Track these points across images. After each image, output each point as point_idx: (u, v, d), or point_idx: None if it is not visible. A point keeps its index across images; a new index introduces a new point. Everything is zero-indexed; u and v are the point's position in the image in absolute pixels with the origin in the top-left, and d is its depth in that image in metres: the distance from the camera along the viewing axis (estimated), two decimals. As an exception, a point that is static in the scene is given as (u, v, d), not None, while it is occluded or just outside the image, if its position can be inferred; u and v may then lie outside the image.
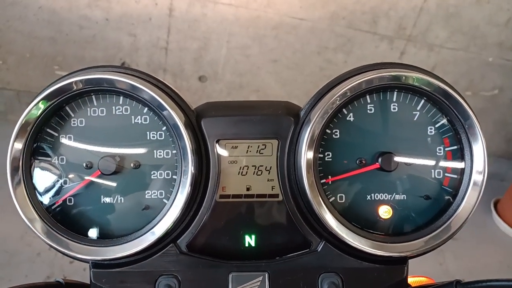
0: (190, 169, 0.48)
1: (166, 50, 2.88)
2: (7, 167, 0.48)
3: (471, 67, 3.06)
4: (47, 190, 0.50)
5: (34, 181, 0.50)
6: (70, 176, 0.50)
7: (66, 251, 0.47)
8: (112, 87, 0.49)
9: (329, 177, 0.49)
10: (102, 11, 2.69)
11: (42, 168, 0.50)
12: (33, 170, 0.50)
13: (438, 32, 2.87)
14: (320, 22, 2.78)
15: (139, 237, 0.48)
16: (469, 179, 0.49)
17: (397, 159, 0.49)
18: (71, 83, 0.47)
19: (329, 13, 2.76)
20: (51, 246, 0.48)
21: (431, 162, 0.50)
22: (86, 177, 0.50)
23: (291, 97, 3.24)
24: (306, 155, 0.48)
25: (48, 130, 0.51)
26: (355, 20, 2.80)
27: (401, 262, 0.50)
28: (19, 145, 0.48)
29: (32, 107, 0.48)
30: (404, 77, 0.47)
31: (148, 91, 0.47)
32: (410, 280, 0.72)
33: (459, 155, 0.50)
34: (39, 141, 0.51)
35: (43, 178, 0.50)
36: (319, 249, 0.50)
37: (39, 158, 0.51)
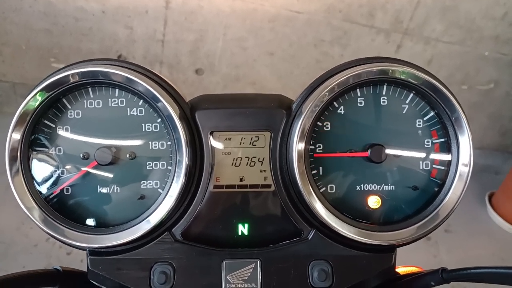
0: (185, 160, 0.49)
1: (163, 43, 2.87)
2: (5, 157, 0.49)
3: (467, 60, 3.07)
4: (44, 180, 0.51)
5: (32, 171, 0.51)
6: (67, 166, 0.51)
7: (63, 239, 0.49)
8: (108, 79, 0.50)
9: (320, 168, 0.51)
10: (98, 3, 2.68)
11: (40, 159, 0.51)
12: (31, 161, 0.51)
13: (434, 26, 2.88)
14: (316, 15, 2.78)
15: (135, 225, 0.49)
16: (456, 171, 0.51)
17: (386, 151, 0.50)
18: (68, 75, 0.48)
19: (326, 6, 2.75)
20: (49, 234, 0.49)
21: (419, 154, 0.52)
22: (83, 168, 0.51)
23: (287, 89, 3.25)
24: (297, 146, 0.49)
25: (46, 121, 0.52)
26: (352, 13, 2.80)
27: (389, 250, 0.51)
28: (17, 136, 0.49)
29: (30, 98, 0.49)
30: (391, 71, 0.49)
31: (143, 84, 0.48)
32: (401, 270, 0.73)
33: (446, 147, 0.52)
34: (37, 132, 0.51)
35: (40, 168, 0.51)
36: (309, 238, 0.51)
37: (37, 148, 0.52)
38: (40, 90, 0.48)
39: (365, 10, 2.79)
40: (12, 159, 0.49)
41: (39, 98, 0.49)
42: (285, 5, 2.73)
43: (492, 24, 2.88)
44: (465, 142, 0.49)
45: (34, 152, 0.51)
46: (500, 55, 3.04)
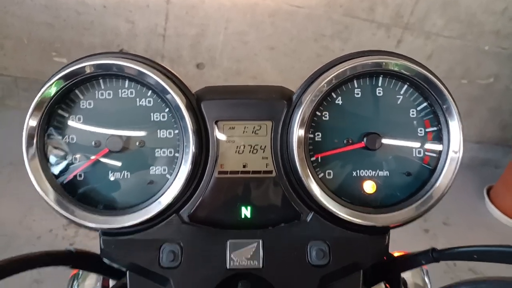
0: (191, 147, 0.52)
1: (164, 37, 2.88)
2: (23, 141, 0.51)
3: (468, 55, 3.09)
4: (59, 166, 0.54)
5: (47, 157, 0.53)
6: (80, 153, 0.54)
7: (77, 220, 0.51)
8: (121, 72, 0.52)
9: (318, 154, 0.53)
10: None
11: (55, 146, 0.54)
12: (47, 147, 0.53)
13: (435, 20, 2.89)
14: (317, 9, 2.79)
15: (145, 207, 0.52)
16: (446, 157, 0.53)
17: (381, 139, 0.53)
18: (84, 66, 0.51)
19: (326, 0, 2.76)
20: (63, 216, 0.52)
21: (413, 142, 0.54)
22: (95, 155, 0.53)
23: (288, 83, 3.25)
24: (297, 134, 0.52)
25: (59, 111, 0.54)
26: (353, 8, 2.81)
27: (383, 231, 0.54)
28: (34, 122, 0.51)
29: (48, 87, 0.51)
30: (384, 63, 0.51)
31: (154, 77, 0.50)
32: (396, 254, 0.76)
33: (438, 136, 0.54)
34: (52, 121, 0.54)
35: (55, 154, 0.54)
36: (308, 220, 0.54)
37: (52, 136, 0.54)
38: (58, 79, 0.50)
39: (366, 5, 2.80)
40: (29, 144, 0.51)
41: (55, 87, 0.51)
42: None
43: (492, 18, 2.90)
44: (455, 130, 0.52)
45: (49, 140, 0.53)
46: (500, 49, 3.06)
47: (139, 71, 0.51)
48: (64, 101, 0.53)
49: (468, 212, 2.93)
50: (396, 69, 0.51)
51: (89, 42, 2.88)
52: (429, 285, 0.67)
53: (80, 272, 0.73)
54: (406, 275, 0.71)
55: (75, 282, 0.70)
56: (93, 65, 0.51)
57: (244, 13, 2.78)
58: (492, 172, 3.31)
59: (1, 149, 2.79)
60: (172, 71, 0.54)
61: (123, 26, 2.81)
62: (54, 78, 0.50)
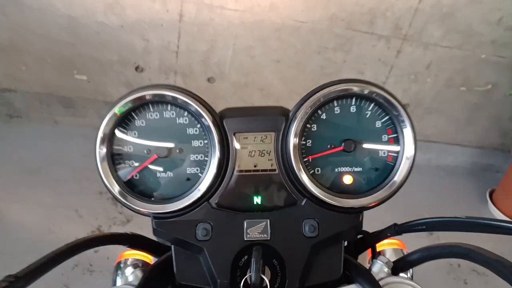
0: (217, 153, 0.68)
1: (177, 53, 2.99)
2: (96, 147, 0.67)
3: (466, 64, 3.15)
4: (121, 168, 0.70)
5: (113, 161, 0.69)
6: (136, 159, 0.70)
7: (136, 208, 0.67)
8: (170, 100, 0.67)
9: (309, 156, 0.70)
10: (117, 17, 2.82)
11: (117, 153, 0.70)
12: (112, 154, 0.69)
13: (433, 31, 2.98)
14: (320, 24, 2.89)
15: (185, 197, 0.68)
16: (403, 156, 0.68)
17: (355, 143, 0.69)
18: (145, 95, 0.66)
19: (329, 15, 2.84)
20: (124, 204, 0.68)
21: (379, 146, 0.69)
22: (147, 160, 0.69)
23: (293, 94, 3.38)
24: (292, 141, 0.67)
25: (120, 128, 0.70)
26: (354, 21, 2.89)
27: (358, 211, 0.69)
28: (103, 133, 0.67)
29: (118, 106, 0.66)
30: (351, 89, 0.67)
31: (191, 103, 0.66)
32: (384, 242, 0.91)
33: (397, 140, 0.69)
34: (115, 133, 0.70)
35: (118, 160, 0.69)
36: (303, 204, 0.69)
37: (115, 145, 0.70)
38: (126, 102, 0.66)
39: (366, 18, 2.90)
40: (100, 150, 0.67)
41: (123, 108, 0.67)
42: (290, 15, 2.84)
43: (489, 29, 3.00)
44: (408, 135, 0.67)
45: (113, 148, 0.70)
46: (498, 57, 3.15)
47: (184, 100, 0.67)
48: (124, 119, 0.69)
49: (472, 214, 3.02)
50: (359, 92, 0.66)
51: (108, 59, 3.02)
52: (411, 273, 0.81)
53: (123, 260, 0.89)
54: (389, 254, 0.86)
55: (121, 265, 0.86)
56: (152, 94, 0.67)
57: (251, 30, 2.88)
58: (494, 176, 3.40)
59: (25, 158, 2.98)
60: (203, 98, 0.70)
61: (139, 44, 2.92)
62: (124, 100, 0.66)
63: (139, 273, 0.82)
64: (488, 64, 3.17)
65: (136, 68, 3.10)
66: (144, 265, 0.85)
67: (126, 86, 3.20)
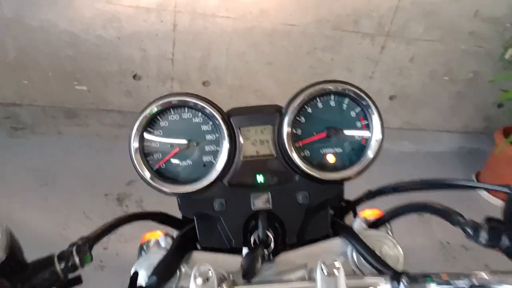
0: (227, 144, 0.82)
1: (173, 61, 3.12)
2: (131, 140, 0.82)
3: (448, 56, 3.32)
4: (150, 159, 0.84)
5: (144, 153, 0.83)
6: (162, 152, 0.84)
7: (165, 189, 0.81)
8: (191, 105, 0.82)
9: (299, 142, 0.84)
10: (114, 30, 2.95)
11: (147, 148, 0.84)
12: (143, 148, 0.84)
13: (414, 27, 3.16)
14: (309, 27, 3.04)
15: (203, 179, 0.82)
16: (372, 138, 0.83)
17: (336, 130, 0.83)
18: (171, 100, 0.82)
19: (317, 18, 3.00)
20: (153, 187, 0.83)
21: (354, 131, 0.84)
22: (171, 152, 0.84)
23: (287, 94, 3.50)
24: (286, 131, 0.82)
25: (148, 128, 0.84)
26: (340, 22, 3.05)
27: (340, 183, 0.85)
28: (139, 130, 0.83)
29: (150, 108, 0.81)
30: (327, 88, 0.83)
31: (208, 108, 0.81)
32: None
33: (368, 126, 0.85)
34: (145, 131, 0.84)
35: (147, 152, 0.84)
36: (296, 179, 0.84)
37: (145, 141, 0.84)
38: (158, 105, 0.82)
39: (351, 19, 3.05)
40: (134, 143, 0.82)
41: (156, 109, 0.82)
42: (281, 20, 2.98)
43: (467, 21, 3.18)
44: (376, 121, 0.83)
45: (144, 143, 0.84)
46: (477, 48, 3.33)
47: (202, 106, 0.82)
48: (151, 122, 0.85)
49: (459, 195, 3.19)
50: (335, 89, 0.82)
51: (107, 71, 3.13)
52: (389, 228, 0.97)
53: (145, 241, 1.04)
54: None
55: (144, 246, 1.00)
56: (177, 100, 0.82)
57: (243, 36, 3.01)
58: (480, 158, 3.58)
59: (36, 170, 3.12)
60: (214, 102, 0.85)
61: (137, 54, 3.05)
62: (156, 103, 0.82)
63: (162, 247, 0.97)
64: (468, 54, 3.34)
65: (134, 77, 3.24)
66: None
67: (125, 94, 3.34)
